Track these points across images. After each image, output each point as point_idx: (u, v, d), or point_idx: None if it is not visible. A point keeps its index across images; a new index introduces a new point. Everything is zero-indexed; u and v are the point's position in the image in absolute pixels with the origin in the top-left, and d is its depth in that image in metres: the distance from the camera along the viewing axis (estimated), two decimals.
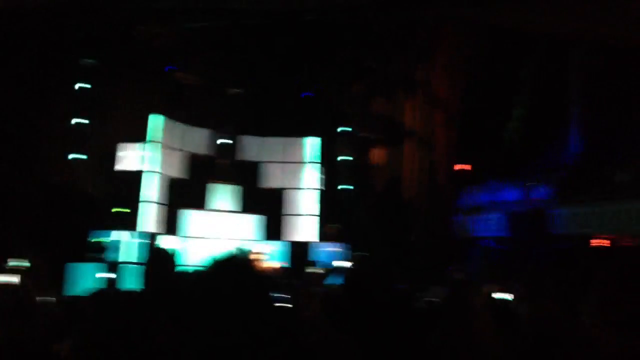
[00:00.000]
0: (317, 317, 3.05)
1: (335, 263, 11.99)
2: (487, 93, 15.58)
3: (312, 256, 13.85)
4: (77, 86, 12.95)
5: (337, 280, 7.94)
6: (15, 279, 5.49)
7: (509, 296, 6.23)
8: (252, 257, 12.28)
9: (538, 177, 14.35)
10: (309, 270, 8.43)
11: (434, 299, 5.22)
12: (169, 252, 3.99)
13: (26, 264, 8.94)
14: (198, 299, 1.98)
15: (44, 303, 5.31)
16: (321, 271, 7.87)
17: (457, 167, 15.95)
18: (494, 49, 15.31)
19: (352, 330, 2.69)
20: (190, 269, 9.26)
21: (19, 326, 3.30)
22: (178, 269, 4.16)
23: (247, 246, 13.27)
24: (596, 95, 14.35)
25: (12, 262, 8.98)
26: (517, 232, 13.68)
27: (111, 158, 12.92)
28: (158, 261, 3.88)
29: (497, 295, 5.98)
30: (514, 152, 15.82)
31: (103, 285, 10.84)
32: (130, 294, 2.87)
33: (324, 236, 14.29)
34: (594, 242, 11.99)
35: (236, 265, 2.05)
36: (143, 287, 3.72)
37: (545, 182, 14.10)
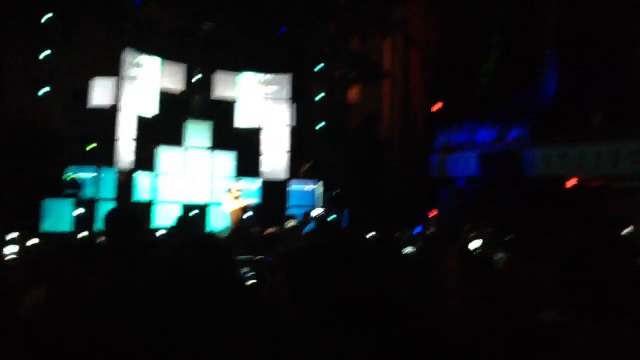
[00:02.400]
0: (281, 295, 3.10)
1: (313, 213, 12.09)
2: (462, 33, 15.45)
3: (286, 195, 13.94)
4: (44, 18, 12.43)
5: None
6: None
7: (479, 242, 6.40)
8: (229, 194, 12.36)
9: (512, 117, 14.49)
10: (289, 224, 8.49)
11: (407, 249, 5.32)
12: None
13: None
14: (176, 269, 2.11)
15: None
16: (296, 224, 8.01)
17: (433, 107, 15.99)
18: None
19: (319, 308, 2.74)
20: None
21: None
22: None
23: (222, 183, 13.35)
24: (571, 36, 14.33)
25: None
26: (490, 172, 13.91)
27: (82, 93, 12.61)
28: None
29: (470, 244, 6.11)
30: (489, 92, 15.86)
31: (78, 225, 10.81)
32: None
33: (298, 173, 14.34)
34: (567, 184, 12.26)
35: (208, 249, 2.22)
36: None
37: (519, 123, 14.26)
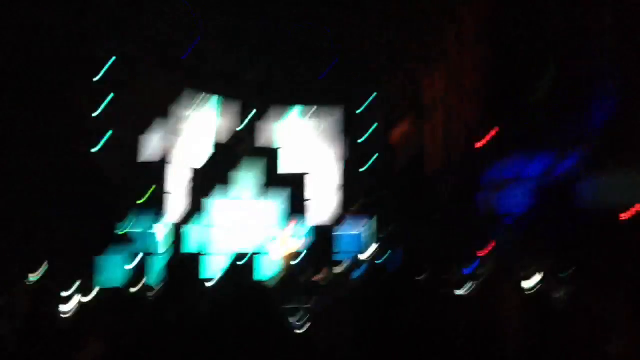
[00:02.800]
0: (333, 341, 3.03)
1: (361, 257, 11.96)
2: (512, 62, 15.26)
3: (335, 242, 13.80)
4: (95, 79, 12.88)
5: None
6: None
7: (537, 278, 6.15)
8: (278, 240, 12.37)
9: (565, 148, 14.10)
10: (336, 271, 8.46)
11: (460, 290, 5.15)
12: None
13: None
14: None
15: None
16: (344, 271, 7.91)
17: (481, 142, 15.73)
18: (519, 14, 14.95)
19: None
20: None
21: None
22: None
23: (271, 233, 13.36)
24: (628, 60, 13.97)
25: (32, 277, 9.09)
26: (543, 205, 13.49)
27: (132, 148, 12.94)
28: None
29: (527, 282, 5.88)
30: (540, 123, 15.52)
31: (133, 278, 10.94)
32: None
33: (348, 212, 14.20)
34: (627, 213, 11.77)
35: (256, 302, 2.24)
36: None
37: (573, 153, 13.86)
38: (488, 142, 15.73)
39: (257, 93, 14.16)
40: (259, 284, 7.71)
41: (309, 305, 5.48)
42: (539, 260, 8.43)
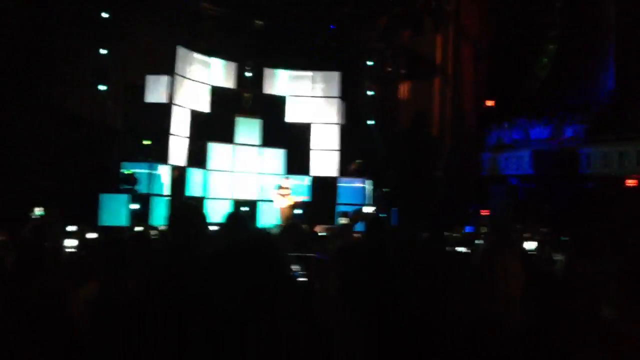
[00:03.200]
0: (332, 293, 3.09)
1: (365, 210, 12.04)
2: (517, 27, 15.09)
3: (336, 193, 13.92)
4: (101, 16, 12.71)
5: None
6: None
7: (533, 244, 6.22)
8: (279, 191, 12.45)
9: (568, 114, 14.07)
10: (340, 221, 8.51)
11: (454, 248, 5.22)
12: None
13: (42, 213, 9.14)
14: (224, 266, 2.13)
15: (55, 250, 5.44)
16: (348, 222, 8.00)
17: (485, 104, 15.67)
18: None
19: (371, 309, 2.72)
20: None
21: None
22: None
23: (272, 180, 13.45)
24: (631, 31, 13.82)
25: (37, 212, 9.17)
26: (544, 170, 13.55)
27: (137, 90, 12.88)
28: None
29: (525, 245, 5.95)
30: (544, 88, 15.45)
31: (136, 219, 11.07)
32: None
33: (346, 171, 14.30)
34: (626, 182, 11.85)
35: (263, 244, 2.24)
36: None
37: (575, 120, 13.84)
38: (492, 105, 15.71)
39: (256, 53, 14.12)
40: (264, 230, 7.80)
41: (310, 255, 5.57)
42: (537, 225, 8.54)
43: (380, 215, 12.29)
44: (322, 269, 4.49)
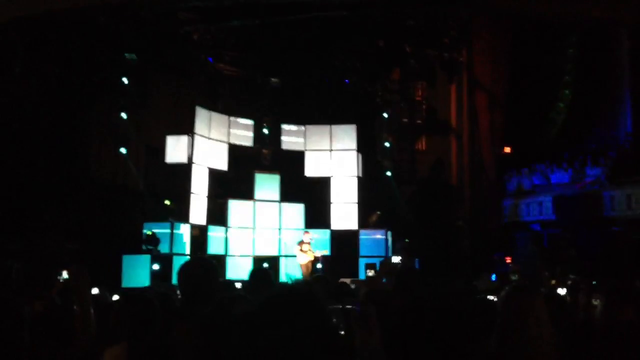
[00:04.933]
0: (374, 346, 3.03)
1: (395, 260, 11.92)
2: (531, 74, 15.22)
3: (356, 245, 13.82)
4: (121, 80, 13.02)
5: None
6: None
7: (563, 290, 6.08)
8: (300, 245, 12.38)
9: (587, 158, 14.01)
10: (368, 274, 8.40)
11: (486, 296, 5.11)
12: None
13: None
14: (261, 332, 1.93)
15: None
16: (375, 274, 7.90)
17: (503, 150, 15.68)
18: (538, 30, 14.92)
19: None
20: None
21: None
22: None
23: (293, 235, 13.40)
24: None
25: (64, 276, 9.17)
26: (567, 215, 13.39)
27: (156, 151, 13.08)
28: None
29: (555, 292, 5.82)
30: (562, 133, 15.46)
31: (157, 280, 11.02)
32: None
33: (367, 223, 14.23)
34: None
35: (300, 301, 1.97)
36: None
37: (595, 164, 13.76)
38: (510, 152, 15.71)
39: (273, 110, 14.43)
40: (302, 284, 7.66)
41: (347, 307, 5.46)
42: (564, 271, 8.37)
43: (411, 267, 12.11)
44: (361, 320, 4.41)
